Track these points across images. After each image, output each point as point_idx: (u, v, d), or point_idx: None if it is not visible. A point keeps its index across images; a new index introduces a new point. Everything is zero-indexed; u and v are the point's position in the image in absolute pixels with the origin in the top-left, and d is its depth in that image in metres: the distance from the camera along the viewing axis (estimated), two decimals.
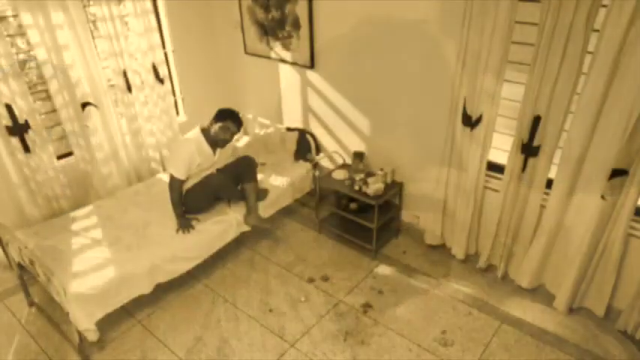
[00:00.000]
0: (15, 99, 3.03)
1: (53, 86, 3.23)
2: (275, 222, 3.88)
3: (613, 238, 2.60)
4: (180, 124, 4.14)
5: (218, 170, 3.34)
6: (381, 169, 3.45)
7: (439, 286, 3.19)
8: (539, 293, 3.08)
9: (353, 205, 3.49)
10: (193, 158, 3.06)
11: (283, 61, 3.85)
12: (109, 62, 3.49)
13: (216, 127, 3.11)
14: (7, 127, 3.08)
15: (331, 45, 3.49)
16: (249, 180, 3.31)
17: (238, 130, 3.20)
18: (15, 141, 3.13)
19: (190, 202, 3.17)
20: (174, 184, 3.07)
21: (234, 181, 3.35)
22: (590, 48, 2.31)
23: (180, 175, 3.05)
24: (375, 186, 3.29)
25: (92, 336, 2.54)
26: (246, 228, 3.34)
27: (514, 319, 2.90)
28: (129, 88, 3.64)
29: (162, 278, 2.88)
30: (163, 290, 3.09)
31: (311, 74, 3.74)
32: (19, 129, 3.11)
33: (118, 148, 3.72)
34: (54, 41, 3.12)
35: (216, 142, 3.17)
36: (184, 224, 3.07)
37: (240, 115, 3.21)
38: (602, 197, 2.50)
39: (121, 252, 2.84)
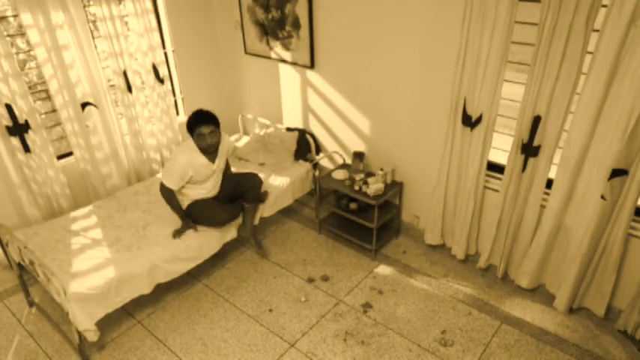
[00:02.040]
0: (15, 99, 3.04)
1: (53, 86, 3.23)
2: (275, 222, 3.89)
3: (613, 238, 2.60)
4: (181, 124, 4.14)
5: (223, 186, 3.25)
6: (381, 169, 3.45)
7: (439, 286, 3.19)
8: (539, 293, 3.08)
9: (353, 205, 3.49)
10: (185, 170, 2.94)
11: (283, 61, 3.85)
12: (109, 62, 3.49)
13: (194, 138, 2.95)
14: (7, 127, 3.08)
15: (331, 45, 3.49)
16: (252, 201, 3.27)
17: (217, 127, 2.96)
18: (15, 141, 3.13)
19: (192, 217, 3.10)
20: (165, 191, 3.01)
21: (236, 197, 3.28)
22: (590, 48, 2.31)
23: (170, 185, 2.96)
24: (375, 186, 3.29)
25: (92, 336, 2.54)
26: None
27: (514, 319, 2.90)
28: (129, 88, 3.64)
29: (163, 278, 2.88)
30: (163, 290, 3.09)
31: (311, 74, 3.74)
32: (19, 129, 3.11)
33: (118, 148, 3.72)
34: (54, 41, 3.12)
35: (206, 151, 3.00)
36: (188, 225, 3.05)
37: (207, 110, 2.96)
38: (602, 197, 2.50)
39: (120, 252, 2.84)
